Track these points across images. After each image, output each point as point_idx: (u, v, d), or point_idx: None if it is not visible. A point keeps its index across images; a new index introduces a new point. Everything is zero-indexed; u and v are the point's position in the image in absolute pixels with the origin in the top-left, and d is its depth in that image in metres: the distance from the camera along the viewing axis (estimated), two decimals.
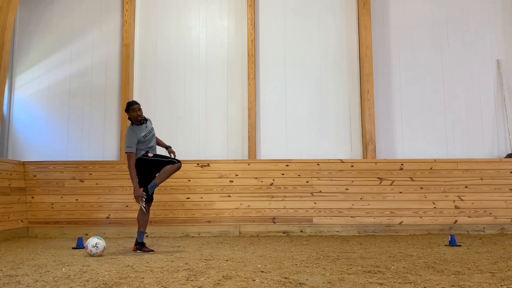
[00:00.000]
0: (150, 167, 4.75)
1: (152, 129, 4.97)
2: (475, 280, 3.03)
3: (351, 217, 6.56)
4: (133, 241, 5.80)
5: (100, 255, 4.40)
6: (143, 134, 4.76)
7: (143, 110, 7.15)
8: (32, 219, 6.62)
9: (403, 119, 7.21)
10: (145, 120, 4.92)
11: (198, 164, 6.74)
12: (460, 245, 5.05)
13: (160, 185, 6.59)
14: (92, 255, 4.36)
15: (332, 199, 6.62)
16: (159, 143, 5.20)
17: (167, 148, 5.15)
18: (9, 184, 6.25)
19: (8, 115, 7.28)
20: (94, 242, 4.38)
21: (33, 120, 7.29)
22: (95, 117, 7.25)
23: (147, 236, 6.46)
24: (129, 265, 3.76)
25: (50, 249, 4.99)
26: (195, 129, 7.23)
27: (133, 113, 4.75)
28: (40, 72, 7.38)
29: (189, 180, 6.69)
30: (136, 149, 4.72)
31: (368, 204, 6.58)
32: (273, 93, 7.26)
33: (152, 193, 4.88)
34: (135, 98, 7.24)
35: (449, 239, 5.12)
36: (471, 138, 7.15)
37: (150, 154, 4.77)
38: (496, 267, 3.57)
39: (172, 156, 4.99)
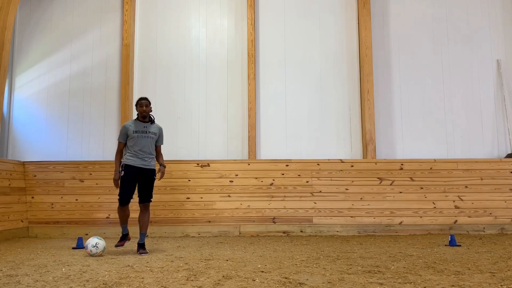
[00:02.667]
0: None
1: (153, 134, 4.86)
2: (475, 280, 3.03)
3: (351, 217, 6.55)
4: (134, 241, 5.80)
5: (100, 255, 4.40)
6: (135, 129, 4.76)
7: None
8: (32, 219, 6.62)
9: (403, 119, 7.21)
10: (152, 121, 4.91)
11: (198, 164, 6.74)
12: (460, 245, 5.05)
13: (160, 185, 6.65)
14: (92, 255, 4.36)
15: (332, 199, 6.61)
16: (158, 158, 4.99)
17: (160, 165, 4.89)
18: (9, 184, 6.25)
19: (8, 115, 7.29)
20: (94, 242, 4.38)
21: (33, 120, 7.29)
22: (95, 117, 7.25)
23: (147, 236, 6.46)
24: (129, 265, 3.77)
25: (50, 249, 4.99)
26: (195, 129, 7.23)
27: (139, 107, 4.83)
28: (40, 72, 7.38)
29: (189, 180, 6.69)
30: (127, 145, 4.81)
31: (368, 204, 6.58)
32: (273, 93, 7.26)
33: (149, 194, 4.80)
34: (135, 98, 7.24)
35: (449, 239, 5.12)
36: (471, 138, 7.15)
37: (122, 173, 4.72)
38: (496, 267, 3.57)
39: (159, 175, 4.85)
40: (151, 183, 4.82)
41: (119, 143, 4.84)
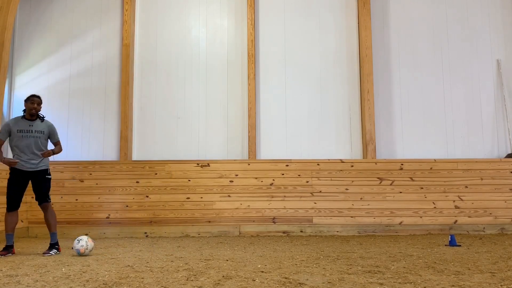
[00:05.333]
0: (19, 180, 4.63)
1: (40, 132, 4.67)
2: (475, 280, 3.03)
3: (351, 217, 6.55)
4: (134, 241, 5.81)
5: (92, 244, 4.44)
6: (20, 128, 4.60)
7: (143, 109, 7.22)
8: (32, 219, 6.61)
9: (403, 119, 7.21)
10: (41, 120, 4.74)
11: (198, 164, 6.75)
12: (460, 245, 5.05)
13: (160, 185, 6.66)
14: (87, 250, 4.37)
15: (332, 199, 6.61)
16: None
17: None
18: None
19: (8, 115, 7.28)
20: (75, 242, 4.39)
21: None
22: (95, 117, 7.24)
23: (147, 236, 6.46)
24: (129, 265, 3.77)
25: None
26: (195, 129, 7.23)
27: (31, 104, 4.64)
28: (40, 72, 7.37)
29: (189, 180, 6.69)
30: (10, 145, 4.62)
31: (368, 204, 6.58)
32: (273, 93, 7.26)
33: (45, 195, 4.69)
34: (135, 98, 7.26)
35: (449, 239, 5.12)
36: (471, 138, 7.14)
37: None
38: (496, 267, 3.57)
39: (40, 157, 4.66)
40: (44, 184, 4.69)
41: None
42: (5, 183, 6.11)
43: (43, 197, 4.70)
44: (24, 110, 4.71)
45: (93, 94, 7.30)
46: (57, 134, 4.92)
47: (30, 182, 4.73)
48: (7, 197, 4.59)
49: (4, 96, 6.21)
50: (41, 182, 4.70)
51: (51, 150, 4.73)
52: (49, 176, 4.81)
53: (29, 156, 4.62)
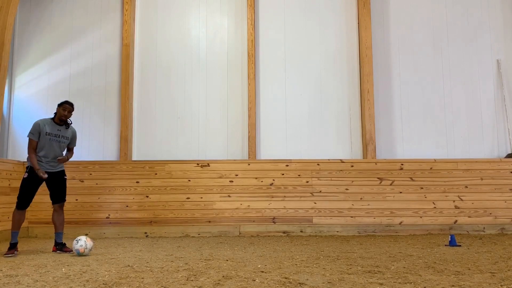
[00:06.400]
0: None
1: (66, 138, 4.82)
2: (475, 280, 3.03)
3: (351, 217, 6.55)
4: (133, 241, 5.81)
5: (91, 243, 4.45)
6: (49, 130, 4.69)
7: (143, 109, 7.23)
8: (32, 219, 6.62)
9: (403, 119, 7.21)
10: (66, 126, 4.83)
11: (198, 164, 6.75)
12: (460, 245, 5.05)
13: (160, 185, 6.66)
14: (85, 250, 4.37)
15: (332, 199, 6.61)
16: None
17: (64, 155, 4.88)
18: (9, 184, 6.25)
19: (8, 115, 7.28)
20: (74, 242, 4.44)
21: (33, 120, 7.25)
22: (95, 117, 7.24)
23: (147, 236, 6.46)
24: (129, 265, 3.77)
25: (50, 249, 4.99)
26: (195, 129, 7.23)
27: (62, 111, 4.72)
28: (40, 72, 7.37)
29: (189, 180, 6.69)
30: (38, 147, 4.68)
31: (368, 204, 6.58)
32: (273, 93, 7.26)
33: (63, 195, 4.87)
34: (135, 98, 7.26)
35: (449, 239, 5.12)
36: (471, 138, 7.15)
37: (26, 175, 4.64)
38: (496, 267, 3.57)
39: (58, 162, 4.78)
40: (62, 184, 4.85)
41: (32, 141, 4.65)
42: (5, 183, 6.13)
43: (61, 196, 4.84)
44: (55, 113, 4.80)
45: (93, 94, 7.30)
46: (76, 141, 5.05)
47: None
48: (21, 195, 4.63)
49: (4, 96, 6.21)
50: (60, 181, 4.84)
51: (66, 156, 4.84)
52: (66, 177, 4.96)
53: (49, 158, 4.75)
